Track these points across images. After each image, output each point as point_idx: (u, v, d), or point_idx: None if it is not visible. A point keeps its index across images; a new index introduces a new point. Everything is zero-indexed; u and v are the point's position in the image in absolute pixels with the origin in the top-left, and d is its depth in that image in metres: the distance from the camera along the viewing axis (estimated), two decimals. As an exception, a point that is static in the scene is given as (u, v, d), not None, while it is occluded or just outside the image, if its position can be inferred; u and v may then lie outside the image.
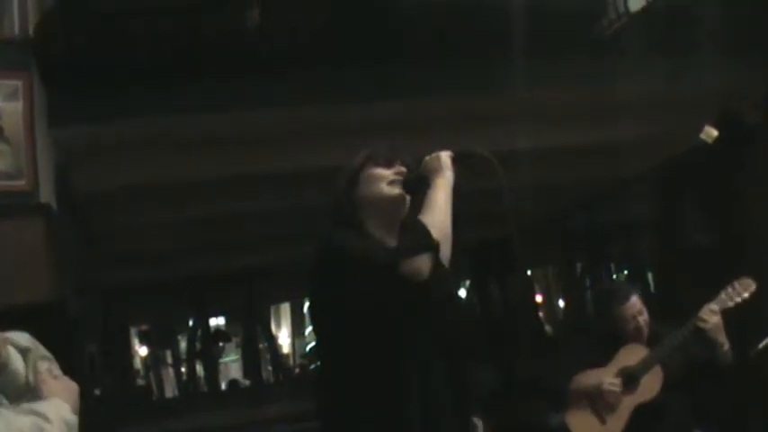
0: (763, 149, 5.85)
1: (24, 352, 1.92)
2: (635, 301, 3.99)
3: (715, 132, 5.65)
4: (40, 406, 1.81)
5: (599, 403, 3.91)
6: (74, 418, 1.87)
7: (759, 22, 5.22)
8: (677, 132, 6.13)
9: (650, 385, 3.85)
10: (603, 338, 4.10)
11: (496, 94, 5.21)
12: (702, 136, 5.67)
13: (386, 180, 2.33)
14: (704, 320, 3.75)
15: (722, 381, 3.98)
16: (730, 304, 3.80)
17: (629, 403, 3.87)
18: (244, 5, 4.69)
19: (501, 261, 10.93)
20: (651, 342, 3.95)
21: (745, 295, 3.82)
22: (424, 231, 2.17)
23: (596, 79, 5.28)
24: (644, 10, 5.32)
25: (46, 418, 1.77)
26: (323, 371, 2.40)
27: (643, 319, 3.96)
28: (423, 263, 2.12)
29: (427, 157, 2.38)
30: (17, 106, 4.17)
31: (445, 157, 2.35)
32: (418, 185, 2.33)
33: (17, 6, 4.28)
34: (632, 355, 3.93)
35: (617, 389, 3.87)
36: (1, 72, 4.22)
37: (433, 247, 2.15)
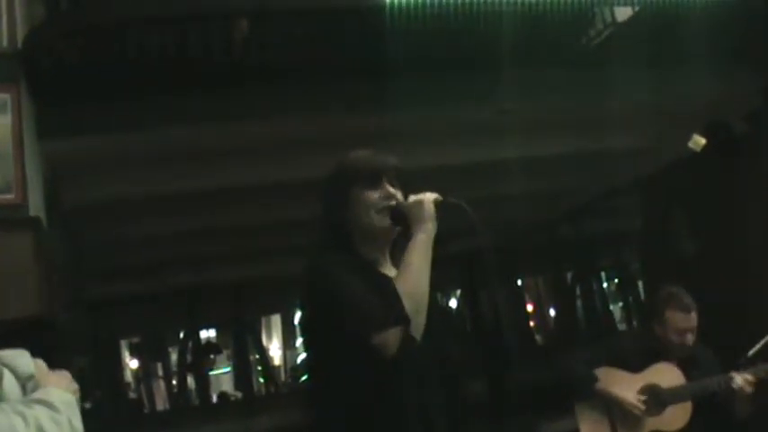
0: (753, 158, 5.87)
1: (26, 381, 1.80)
2: (693, 317, 3.89)
3: (703, 141, 5.69)
4: (40, 393, 1.77)
5: (617, 413, 3.85)
6: (72, 398, 1.83)
7: (747, 33, 5.24)
8: (666, 141, 6.17)
9: (677, 417, 3.82)
10: (644, 340, 4.04)
11: (484, 104, 5.22)
12: (690, 144, 5.71)
13: (375, 207, 2.28)
14: (739, 385, 3.74)
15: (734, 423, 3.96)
16: (762, 375, 3.77)
17: (648, 425, 3.83)
18: (232, 17, 4.69)
19: (484, 274, 10.94)
20: (681, 361, 3.91)
21: None
22: (397, 303, 2.10)
23: (584, 89, 5.29)
24: (631, 20, 5.33)
25: (53, 406, 1.74)
26: (314, 385, 2.39)
27: (688, 338, 3.88)
28: (391, 337, 2.06)
29: (412, 198, 2.27)
30: (6, 119, 4.15)
31: (428, 204, 2.23)
32: (404, 223, 2.28)
33: (5, 19, 4.26)
34: (665, 375, 3.87)
35: (640, 412, 3.82)
36: (-11, 85, 4.21)
37: (403, 320, 2.09)
